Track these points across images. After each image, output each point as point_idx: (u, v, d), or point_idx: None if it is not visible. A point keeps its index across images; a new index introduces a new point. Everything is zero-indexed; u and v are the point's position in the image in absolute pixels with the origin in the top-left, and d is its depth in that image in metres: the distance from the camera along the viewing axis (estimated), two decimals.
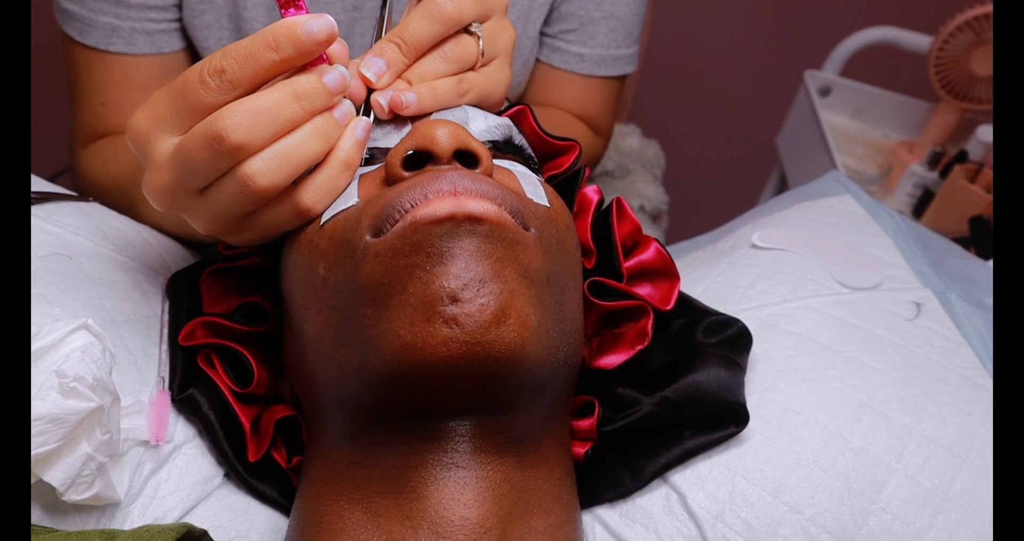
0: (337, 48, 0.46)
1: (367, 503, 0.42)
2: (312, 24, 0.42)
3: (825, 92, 1.35)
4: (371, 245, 0.42)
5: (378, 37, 0.53)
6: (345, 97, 0.47)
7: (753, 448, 0.51)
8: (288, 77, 0.44)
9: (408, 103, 0.49)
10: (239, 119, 0.41)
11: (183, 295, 0.56)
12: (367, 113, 0.50)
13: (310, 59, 0.44)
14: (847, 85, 1.34)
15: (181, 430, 0.52)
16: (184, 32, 0.79)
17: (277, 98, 0.42)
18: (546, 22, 0.88)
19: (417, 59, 0.51)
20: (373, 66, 0.49)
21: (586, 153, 0.88)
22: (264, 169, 0.43)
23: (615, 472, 0.51)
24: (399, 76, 0.51)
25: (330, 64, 0.46)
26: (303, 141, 0.44)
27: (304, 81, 0.43)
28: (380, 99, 0.49)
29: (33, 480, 0.42)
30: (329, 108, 0.45)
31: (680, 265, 0.57)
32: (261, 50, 0.42)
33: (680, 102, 1.74)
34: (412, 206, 0.41)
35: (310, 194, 0.46)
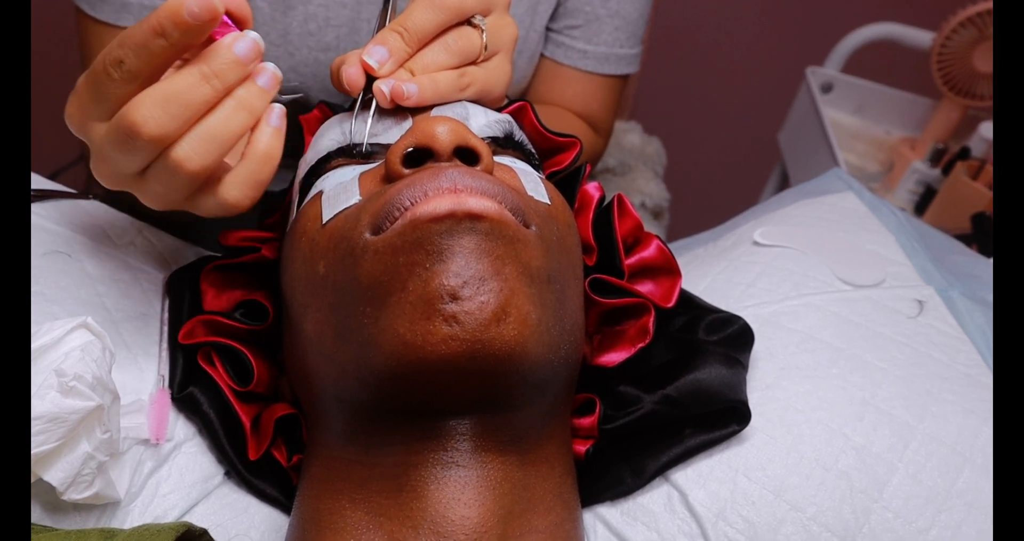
0: (239, 5, 0.45)
1: (368, 502, 0.42)
2: (192, 3, 0.39)
3: (827, 89, 1.35)
4: (371, 243, 0.42)
5: (381, 26, 0.53)
6: (264, 63, 0.44)
7: (755, 446, 0.51)
8: (200, 49, 0.43)
9: (409, 94, 0.49)
10: (150, 111, 0.40)
11: (183, 293, 0.56)
12: (368, 103, 0.51)
13: (203, 38, 0.41)
14: (849, 82, 1.34)
15: (181, 428, 0.52)
16: None
17: (187, 82, 0.41)
18: (552, 17, 0.88)
19: (420, 49, 0.51)
20: (375, 54, 0.49)
21: (586, 151, 0.89)
22: (192, 153, 0.42)
23: (616, 470, 0.51)
24: (401, 65, 0.51)
25: (241, 29, 0.44)
26: (226, 118, 0.43)
27: (213, 60, 0.42)
28: (383, 87, 0.49)
29: (33, 479, 0.42)
30: (249, 76, 0.43)
31: (681, 262, 0.57)
32: (150, 37, 0.40)
33: (681, 99, 1.74)
34: (412, 203, 0.41)
35: (233, 191, 0.45)
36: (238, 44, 0.42)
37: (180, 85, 0.41)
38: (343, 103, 0.63)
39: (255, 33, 0.43)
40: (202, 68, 0.41)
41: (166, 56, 0.41)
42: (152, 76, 0.42)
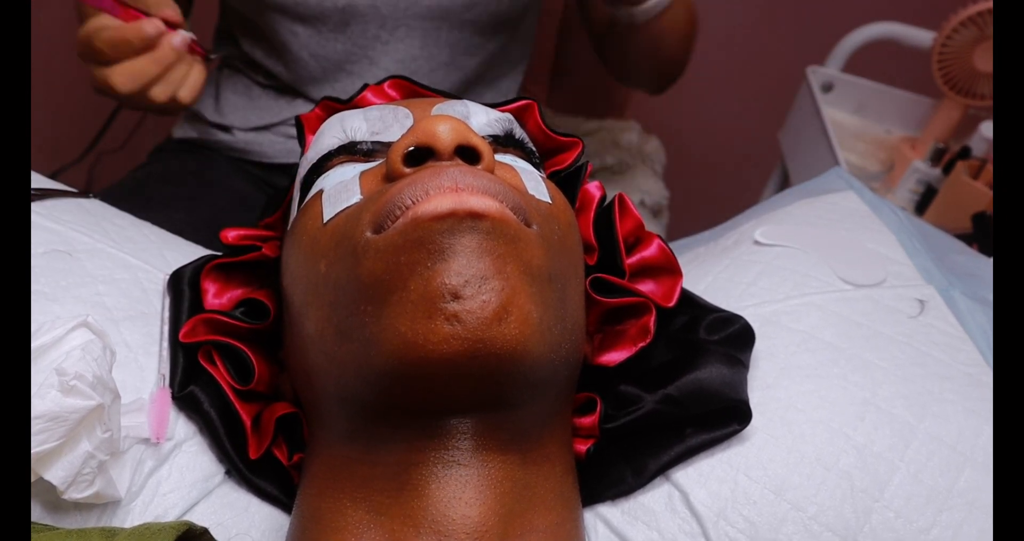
0: (173, 15, 0.73)
1: (369, 501, 0.42)
2: (149, 27, 0.71)
3: (827, 88, 1.34)
4: (372, 242, 0.42)
5: None
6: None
7: (756, 446, 0.51)
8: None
9: None
10: (120, 78, 0.72)
11: (184, 292, 0.56)
12: None
13: (153, 47, 0.72)
14: (850, 81, 1.34)
15: (182, 428, 0.51)
16: None
17: (143, 63, 0.72)
18: None
19: None
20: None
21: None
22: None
23: (617, 469, 0.51)
24: None
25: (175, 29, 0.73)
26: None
27: (159, 51, 0.72)
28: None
29: (34, 478, 0.42)
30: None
31: (682, 262, 0.57)
32: (119, 42, 0.70)
33: (681, 98, 1.73)
34: (413, 202, 0.41)
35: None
36: (175, 39, 0.73)
37: (140, 64, 0.72)
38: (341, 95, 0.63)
39: (187, 33, 0.74)
40: (155, 55, 0.72)
41: (128, 51, 0.71)
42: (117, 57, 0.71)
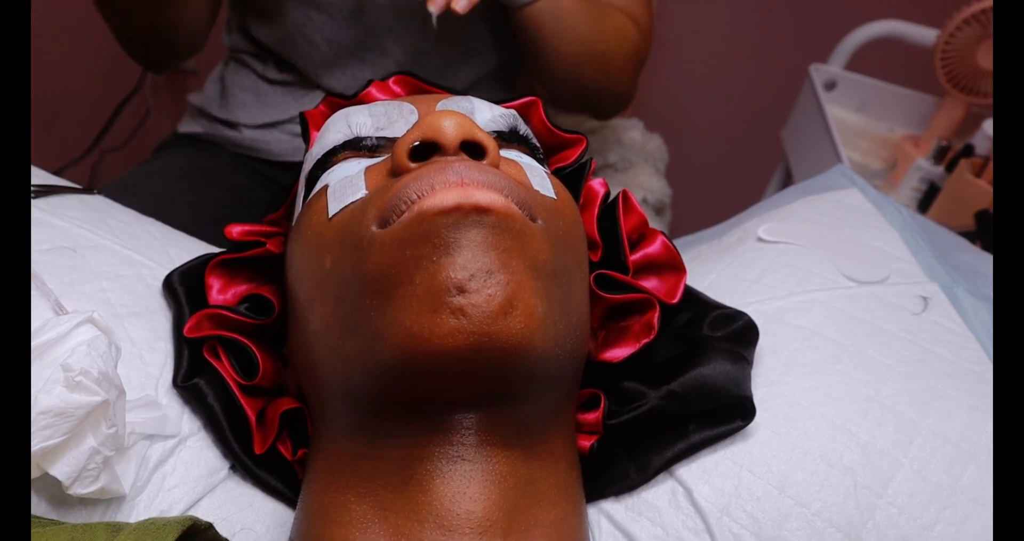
0: None
1: (373, 496, 0.42)
2: None
3: (830, 86, 1.34)
4: (377, 236, 0.42)
5: None
6: None
7: (759, 442, 0.51)
8: None
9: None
10: None
11: (189, 287, 0.56)
12: None
13: None
14: (853, 79, 1.34)
15: (187, 423, 0.52)
16: None
17: None
18: None
19: None
20: None
21: (632, 51, 0.94)
22: None
23: (621, 465, 0.51)
24: None
25: None
26: None
27: None
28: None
29: (39, 474, 0.42)
30: None
31: (686, 259, 0.57)
32: None
33: (684, 96, 1.74)
34: (419, 197, 0.41)
35: None
36: None
37: None
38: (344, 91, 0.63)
39: None
40: None
41: None
42: None
